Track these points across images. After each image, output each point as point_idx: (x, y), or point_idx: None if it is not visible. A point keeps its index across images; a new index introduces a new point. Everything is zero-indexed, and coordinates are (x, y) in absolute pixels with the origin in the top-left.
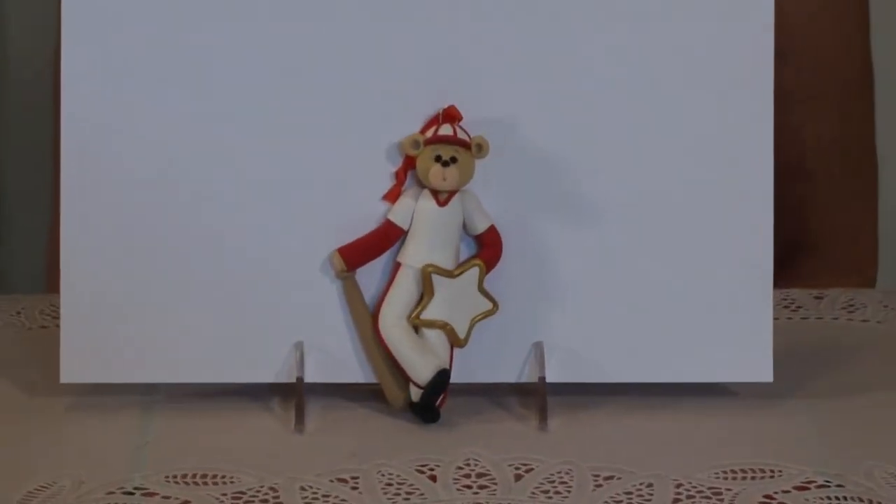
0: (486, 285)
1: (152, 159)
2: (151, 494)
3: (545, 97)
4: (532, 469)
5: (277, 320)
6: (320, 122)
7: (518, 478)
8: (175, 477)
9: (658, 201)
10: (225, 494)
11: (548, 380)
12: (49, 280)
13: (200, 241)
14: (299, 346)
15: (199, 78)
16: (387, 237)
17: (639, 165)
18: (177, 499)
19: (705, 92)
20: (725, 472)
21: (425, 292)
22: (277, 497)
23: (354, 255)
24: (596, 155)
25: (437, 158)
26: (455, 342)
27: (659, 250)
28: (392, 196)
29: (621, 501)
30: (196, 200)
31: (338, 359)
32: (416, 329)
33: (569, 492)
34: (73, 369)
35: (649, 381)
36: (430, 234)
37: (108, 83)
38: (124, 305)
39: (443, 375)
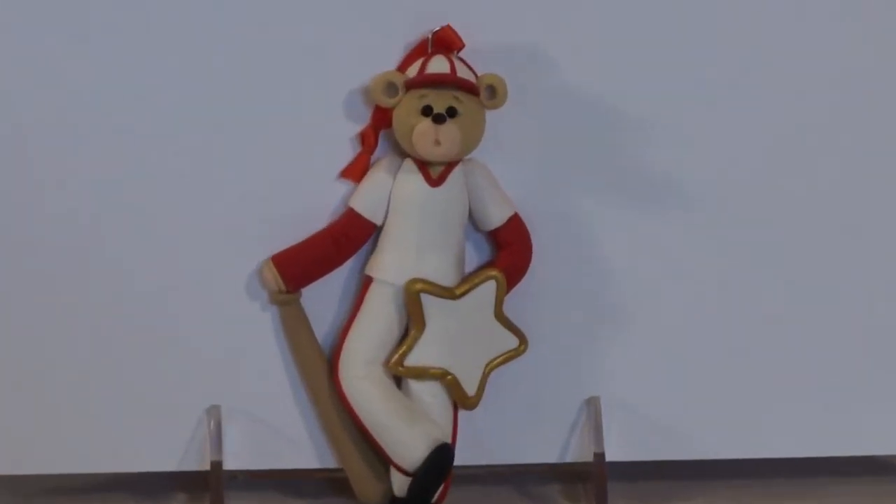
0: (507, 310)
1: None
2: None
3: (590, 13)
4: None
5: (180, 375)
6: (233, 60)
7: None
8: None
9: (771, 191)
10: None
11: (608, 458)
12: None
13: (53, 258)
14: (214, 414)
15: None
16: (348, 237)
17: (743, 133)
18: None
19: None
20: None
21: (412, 323)
22: None
23: (296, 267)
24: (672, 105)
25: (426, 111)
26: (461, 401)
27: (774, 262)
28: (355, 171)
29: None
30: (47, 200)
31: (274, 432)
32: (399, 381)
33: None
34: None
35: (760, 456)
36: (418, 231)
37: None
38: None
39: (442, 454)
